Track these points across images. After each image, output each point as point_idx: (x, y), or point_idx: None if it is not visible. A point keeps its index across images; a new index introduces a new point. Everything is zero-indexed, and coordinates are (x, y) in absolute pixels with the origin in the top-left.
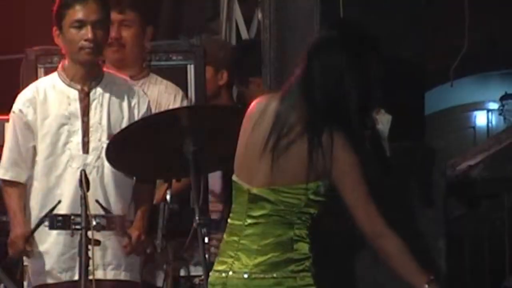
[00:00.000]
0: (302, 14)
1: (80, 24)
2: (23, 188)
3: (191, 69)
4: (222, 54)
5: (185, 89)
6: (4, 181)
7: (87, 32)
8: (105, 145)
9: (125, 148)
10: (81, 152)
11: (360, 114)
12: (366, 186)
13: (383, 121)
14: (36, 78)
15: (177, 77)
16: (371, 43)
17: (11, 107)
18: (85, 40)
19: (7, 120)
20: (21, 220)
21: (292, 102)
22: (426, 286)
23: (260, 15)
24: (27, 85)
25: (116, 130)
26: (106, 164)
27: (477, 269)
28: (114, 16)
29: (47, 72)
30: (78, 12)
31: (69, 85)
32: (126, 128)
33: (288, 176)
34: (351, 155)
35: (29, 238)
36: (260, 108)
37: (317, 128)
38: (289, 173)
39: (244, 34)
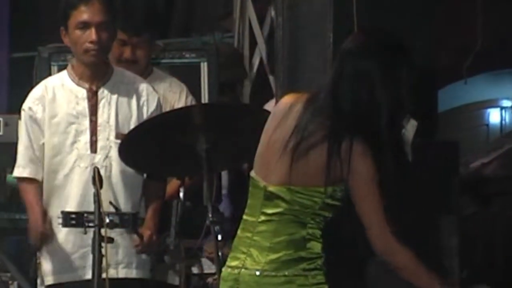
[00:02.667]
0: (315, 12)
1: (85, 26)
2: (39, 185)
3: (204, 67)
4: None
5: (198, 87)
6: (20, 179)
7: (91, 34)
8: (113, 144)
9: (138, 145)
10: (89, 151)
11: (390, 123)
12: (381, 200)
13: (408, 127)
14: (50, 76)
15: (190, 74)
16: (405, 53)
17: None
18: (90, 42)
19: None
20: (38, 209)
21: (318, 105)
22: None
23: (273, 13)
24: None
25: (124, 129)
26: (114, 163)
27: (490, 267)
28: (129, 38)
29: (61, 69)
30: (83, 14)
31: (77, 84)
32: (139, 125)
33: (305, 178)
34: (369, 167)
35: (46, 217)
36: (286, 108)
37: (338, 136)
38: (307, 175)
39: (257, 32)
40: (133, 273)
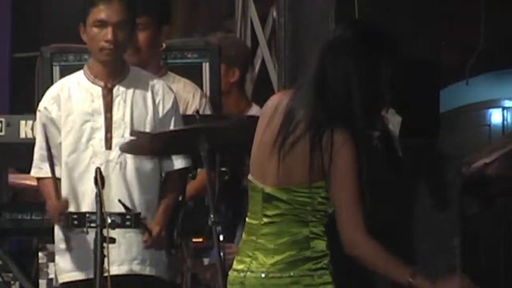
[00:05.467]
0: (317, 12)
1: (102, 24)
2: (57, 181)
3: (206, 67)
4: (234, 52)
5: (200, 87)
6: (39, 178)
7: (108, 33)
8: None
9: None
10: (104, 148)
11: (366, 115)
12: (358, 191)
13: (393, 122)
14: (51, 76)
15: (192, 75)
16: (384, 44)
17: (26, 104)
18: (106, 41)
19: (23, 118)
20: (56, 195)
21: (301, 99)
22: (410, 279)
23: (275, 13)
24: (42, 83)
25: (139, 126)
26: (129, 160)
27: (492, 268)
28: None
29: (62, 70)
30: (101, 12)
31: (93, 82)
32: (135, 139)
33: (295, 176)
34: (350, 157)
35: (67, 202)
36: (273, 106)
37: (319, 127)
38: (296, 171)
39: (259, 32)
40: (147, 270)
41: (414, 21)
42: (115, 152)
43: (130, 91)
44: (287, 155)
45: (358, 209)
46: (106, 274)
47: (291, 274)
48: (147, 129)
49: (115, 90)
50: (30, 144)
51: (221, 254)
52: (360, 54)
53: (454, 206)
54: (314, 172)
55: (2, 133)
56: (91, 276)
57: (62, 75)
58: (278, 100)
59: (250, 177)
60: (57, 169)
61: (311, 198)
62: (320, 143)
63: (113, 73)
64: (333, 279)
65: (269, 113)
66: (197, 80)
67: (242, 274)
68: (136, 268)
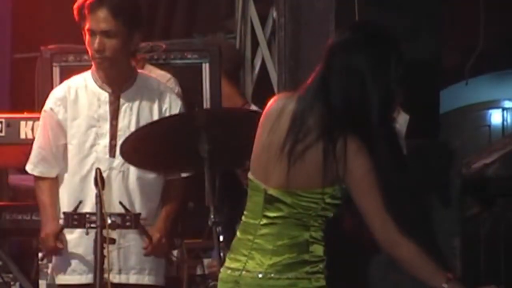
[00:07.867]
0: (317, 12)
1: (92, 33)
2: (55, 183)
3: (206, 68)
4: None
5: (200, 87)
6: (35, 176)
7: (95, 42)
8: None
9: (138, 148)
10: (107, 155)
11: (383, 116)
12: (381, 193)
13: (401, 120)
14: (51, 77)
15: (192, 75)
16: (393, 45)
17: (26, 105)
18: (94, 49)
19: (23, 118)
20: (51, 216)
21: (309, 103)
22: (444, 285)
23: (275, 14)
24: (42, 83)
25: None
26: (132, 168)
27: (492, 268)
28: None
29: (63, 70)
30: (91, 21)
31: (100, 87)
32: (138, 130)
33: (304, 180)
34: (365, 161)
35: (59, 235)
36: (278, 108)
37: (332, 134)
38: (305, 177)
39: (259, 33)
40: (145, 280)
41: (414, 21)
42: (118, 160)
43: (137, 98)
44: (297, 160)
45: (386, 210)
46: (105, 276)
47: (289, 276)
48: None
49: (122, 96)
50: (30, 145)
51: (221, 254)
52: (373, 55)
53: (454, 206)
54: (327, 179)
55: (2, 133)
56: (89, 281)
57: (62, 75)
58: (282, 103)
59: (250, 176)
60: (54, 170)
61: (315, 204)
62: (333, 152)
63: (119, 79)
64: (327, 284)
65: (273, 115)
66: (198, 80)
67: (236, 273)
68: (133, 278)
